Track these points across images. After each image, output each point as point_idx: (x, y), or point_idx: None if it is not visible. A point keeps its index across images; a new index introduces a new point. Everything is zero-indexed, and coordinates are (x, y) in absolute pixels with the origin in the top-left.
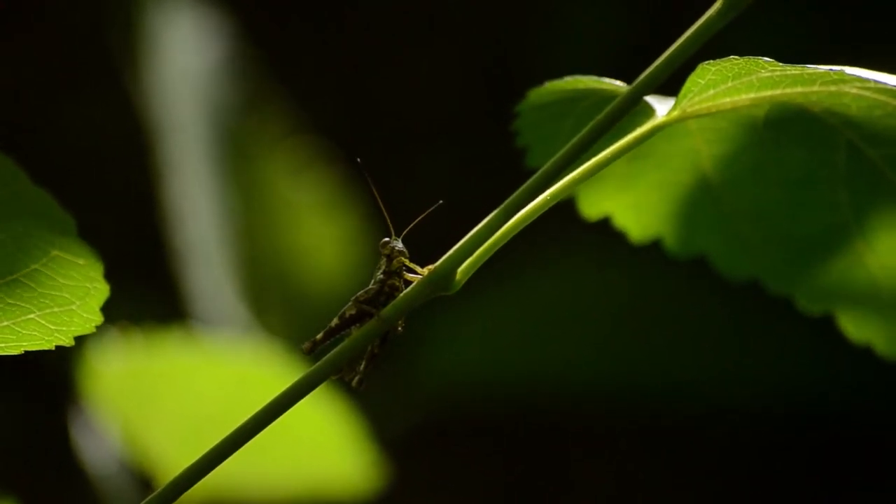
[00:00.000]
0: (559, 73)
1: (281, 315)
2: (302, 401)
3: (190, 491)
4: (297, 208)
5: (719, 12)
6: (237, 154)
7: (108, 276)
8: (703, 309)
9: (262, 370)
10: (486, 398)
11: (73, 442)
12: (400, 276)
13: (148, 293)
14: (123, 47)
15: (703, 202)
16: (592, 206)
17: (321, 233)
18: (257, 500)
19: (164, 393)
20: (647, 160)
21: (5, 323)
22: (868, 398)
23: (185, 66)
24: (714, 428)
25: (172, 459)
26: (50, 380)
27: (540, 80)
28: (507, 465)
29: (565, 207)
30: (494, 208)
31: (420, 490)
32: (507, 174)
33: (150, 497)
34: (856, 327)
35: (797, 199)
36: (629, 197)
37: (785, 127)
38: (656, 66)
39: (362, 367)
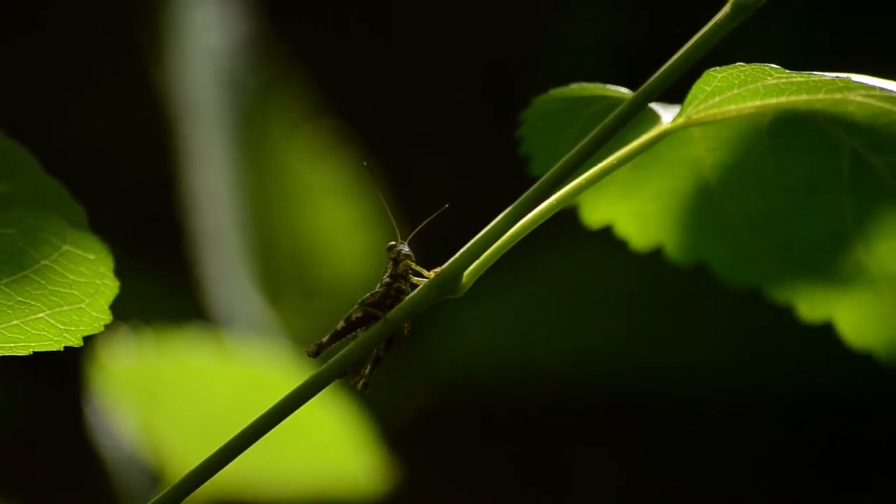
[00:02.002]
0: (560, 77)
1: (298, 299)
2: (309, 401)
3: (199, 489)
4: (315, 191)
5: (727, 17)
6: (256, 136)
7: (122, 270)
8: (711, 299)
9: (271, 370)
10: (491, 390)
11: (87, 437)
12: (406, 279)
13: (163, 285)
14: (144, 30)
15: (704, 210)
16: (594, 214)
17: (339, 216)
18: (265, 498)
19: (176, 391)
20: (649, 168)
21: (14, 322)
22: (876, 389)
23: (204, 48)
24: (722, 418)
25: (182, 457)
26: (65, 374)
27: (543, 85)
28: (512, 458)
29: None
30: (499, 212)
31: (425, 484)
32: (512, 178)
33: (159, 496)
34: (856, 334)
35: (800, 206)
36: (631, 205)
37: (789, 134)
38: (663, 72)
39: (367, 370)
